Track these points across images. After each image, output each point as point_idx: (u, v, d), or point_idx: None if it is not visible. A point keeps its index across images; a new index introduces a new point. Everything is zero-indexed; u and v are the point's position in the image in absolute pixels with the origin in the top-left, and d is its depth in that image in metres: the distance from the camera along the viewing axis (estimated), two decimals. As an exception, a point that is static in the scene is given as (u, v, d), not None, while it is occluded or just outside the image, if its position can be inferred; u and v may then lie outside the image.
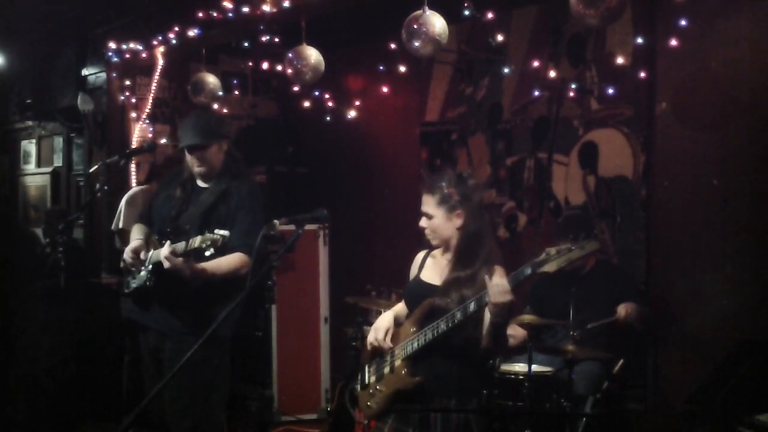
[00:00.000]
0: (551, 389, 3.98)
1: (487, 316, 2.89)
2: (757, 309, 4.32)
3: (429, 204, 3.09)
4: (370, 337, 3.16)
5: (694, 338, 4.58)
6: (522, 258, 5.36)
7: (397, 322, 3.21)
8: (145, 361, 3.92)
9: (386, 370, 3.09)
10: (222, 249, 3.45)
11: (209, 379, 3.67)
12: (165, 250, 3.51)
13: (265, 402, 5.76)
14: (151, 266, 3.69)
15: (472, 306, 2.85)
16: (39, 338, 5.91)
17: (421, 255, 3.29)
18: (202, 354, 3.18)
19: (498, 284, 2.74)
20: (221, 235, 3.37)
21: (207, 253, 3.39)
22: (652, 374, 4.75)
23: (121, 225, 5.39)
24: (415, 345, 2.99)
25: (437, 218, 3.07)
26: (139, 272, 3.76)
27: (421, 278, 3.19)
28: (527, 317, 4.16)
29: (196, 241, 3.42)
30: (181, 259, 3.50)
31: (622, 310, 4.22)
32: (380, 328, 3.14)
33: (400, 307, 3.30)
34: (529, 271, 2.74)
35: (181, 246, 3.51)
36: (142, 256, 3.72)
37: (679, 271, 4.69)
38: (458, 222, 3.06)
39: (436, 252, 3.21)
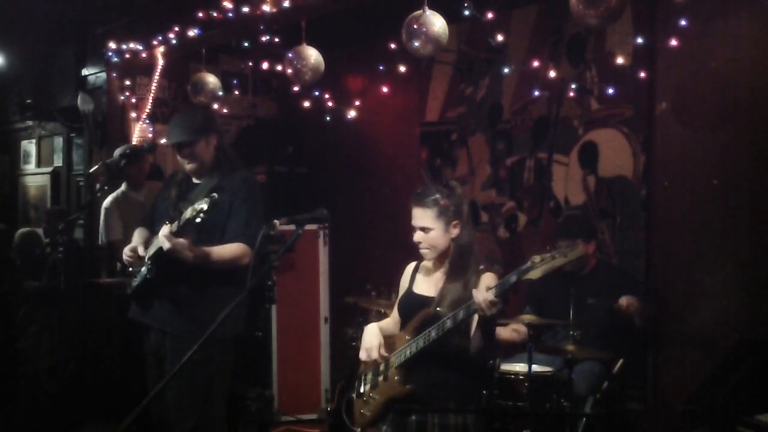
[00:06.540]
0: (551, 389, 3.98)
1: (476, 321, 2.90)
2: (757, 309, 4.32)
3: (426, 217, 3.04)
4: (362, 355, 3.14)
5: (694, 338, 4.58)
6: (522, 258, 5.40)
7: (388, 334, 3.20)
8: (148, 360, 3.91)
9: (380, 378, 3.11)
10: (216, 209, 3.40)
11: (210, 379, 3.68)
12: (163, 230, 3.49)
13: (265, 402, 5.76)
14: (150, 261, 3.69)
15: (461, 314, 2.86)
16: (39, 338, 5.91)
17: (410, 268, 3.29)
18: (202, 354, 3.18)
19: (485, 298, 2.75)
20: (211, 197, 3.33)
21: (198, 220, 3.35)
22: (652, 374, 4.75)
23: (107, 238, 5.40)
24: (408, 353, 3.01)
25: (436, 231, 3.04)
26: (140, 270, 3.76)
27: (414, 291, 3.19)
28: (527, 317, 4.17)
29: (187, 213, 3.40)
30: (181, 240, 3.48)
31: (624, 300, 4.23)
32: (372, 347, 3.10)
33: (389, 321, 3.30)
34: (514, 278, 2.76)
35: (174, 226, 3.49)
36: (140, 252, 3.72)
37: (679, 271, 4.69)
38: (455, 232, 3.06)
39: (427, 263, 3.19)
